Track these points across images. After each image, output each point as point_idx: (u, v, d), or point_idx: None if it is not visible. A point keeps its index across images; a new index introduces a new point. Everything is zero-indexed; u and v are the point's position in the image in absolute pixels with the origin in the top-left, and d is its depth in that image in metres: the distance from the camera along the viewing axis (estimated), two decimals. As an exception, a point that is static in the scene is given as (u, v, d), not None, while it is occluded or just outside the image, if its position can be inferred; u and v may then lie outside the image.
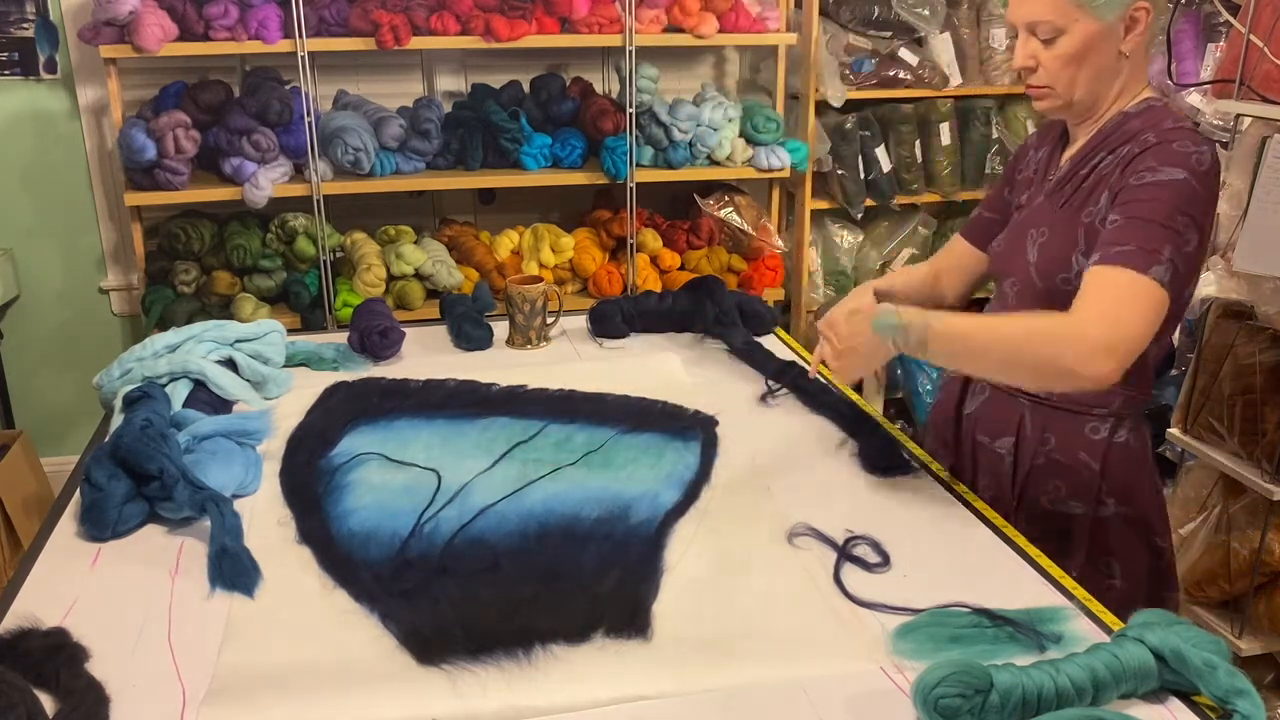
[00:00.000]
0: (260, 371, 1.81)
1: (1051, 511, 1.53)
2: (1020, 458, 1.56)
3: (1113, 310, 1.28)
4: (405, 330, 2.03)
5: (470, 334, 2.06)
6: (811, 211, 3.47)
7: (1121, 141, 1.42)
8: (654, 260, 3.26)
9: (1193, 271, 1.37)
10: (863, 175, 3.43)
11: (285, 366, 1.90)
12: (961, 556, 1.35)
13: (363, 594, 1.25)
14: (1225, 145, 2.31)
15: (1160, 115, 1.42)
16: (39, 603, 1.23)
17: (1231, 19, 2.25)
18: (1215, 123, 2.65)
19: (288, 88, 2.99)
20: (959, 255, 1.73)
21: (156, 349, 1.80)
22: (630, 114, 3.12)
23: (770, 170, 3.23)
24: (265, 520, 1.43)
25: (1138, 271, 1.29)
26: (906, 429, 1.75)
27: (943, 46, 3.46)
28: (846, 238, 3.55)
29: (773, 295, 3.34)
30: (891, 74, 3.41)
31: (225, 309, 2.99)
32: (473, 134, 3.11)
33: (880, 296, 1.63)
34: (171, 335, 1.84)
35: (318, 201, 2.99)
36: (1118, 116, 1.45)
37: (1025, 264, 1.51)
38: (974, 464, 1.63)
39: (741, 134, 3.25)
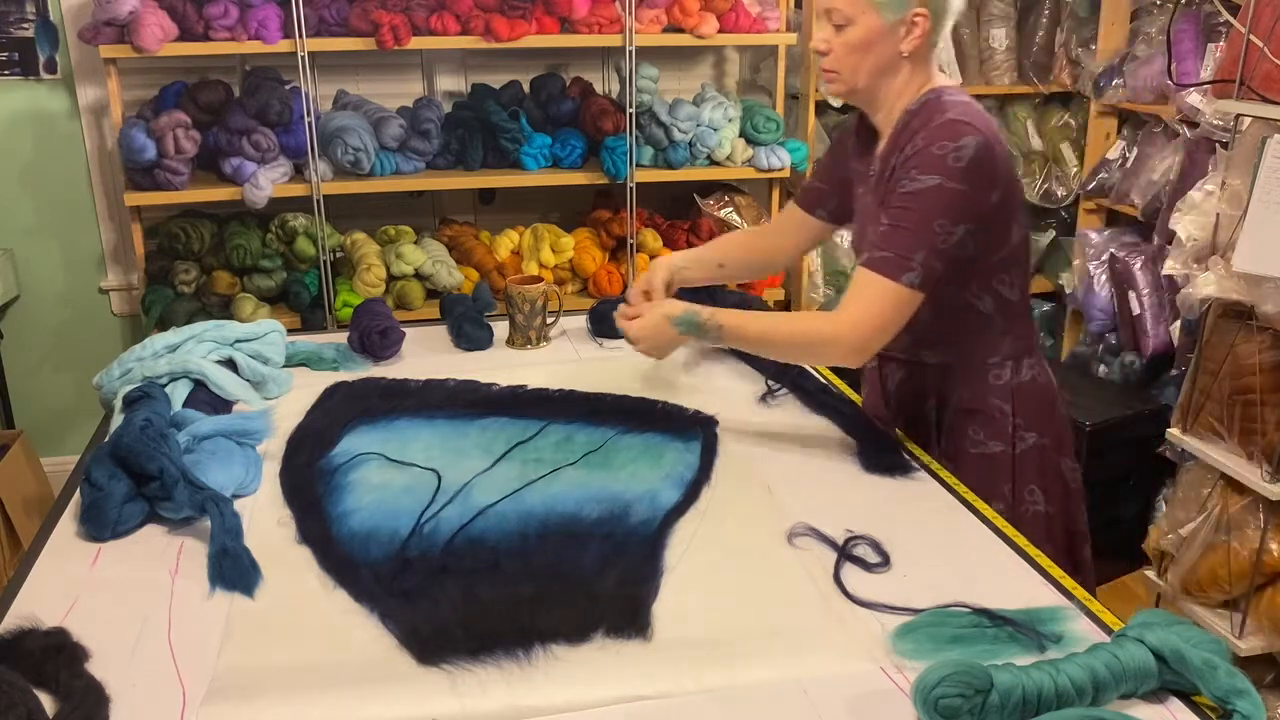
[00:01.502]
0: (260, 371, 1.81)
1: (975, 455, 1.67)
2: (942, 415, 1.71)
3: (865, 316, 1.51)
4: (405, 330, 2.02)
5: (470, 334, 2.06)
6: (811, 211, 3.47)
7: (907, 139, 1.56)
8: (653, 259, 3.26)
9: (976, 243, 1.54)
10: (863, 175, 3.42)
11: (285, 366, 1.89)
12: (961, 556, 1.35)
13: (363, 594, 1.25)
14: (1225, 145, 2.31)
15: (932, 110, 1.55)
16: (39, 603, 1.23)
17: (1231, 19, 2.25)
18: (1215, 123, 2.65)
19: (288, 88, 2.99)
20: (793, 221, 1.90)
21: (156, 349, 1.80)
22: (630, 114, 3.12)
23: (770, 170, 3.23)
24: (265, 520, 1.43)
25: (890, 279, 1.49)
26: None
27: (943, 46, 3.46)
28: (847, 238, 3.55)
29: (772, 295, 3.34)
30: (891, 74, 3.41)
31: (225, 309, 2.99)
32: (473, 134, 3.11)
33: (678, 273, 1.88)
34: (171, 335, 1.84)
35: (318, 201, 2.99)
36: (904, 116, 1.59)
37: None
38: (912, 438, 1.72)
39: (741, 134, 3.25)
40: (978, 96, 3.50)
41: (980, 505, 1.48)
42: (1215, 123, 2.64)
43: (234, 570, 1.27)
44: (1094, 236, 3.37)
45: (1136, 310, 3.15)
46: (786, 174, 3.28)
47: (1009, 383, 1.66)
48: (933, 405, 1.72)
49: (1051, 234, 3.78)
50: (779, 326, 1.61)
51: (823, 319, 1.57)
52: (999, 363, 1.67)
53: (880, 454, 1.59)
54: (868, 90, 1.61)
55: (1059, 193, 3.62)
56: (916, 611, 1.20)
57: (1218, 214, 2.21)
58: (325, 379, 1.85)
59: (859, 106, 1.68)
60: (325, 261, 3.04)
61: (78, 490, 1.43)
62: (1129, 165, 3.32)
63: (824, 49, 1.59)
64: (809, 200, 1.85)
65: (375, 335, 1.95)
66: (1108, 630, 1.18)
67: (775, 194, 3.40)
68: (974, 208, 1.51)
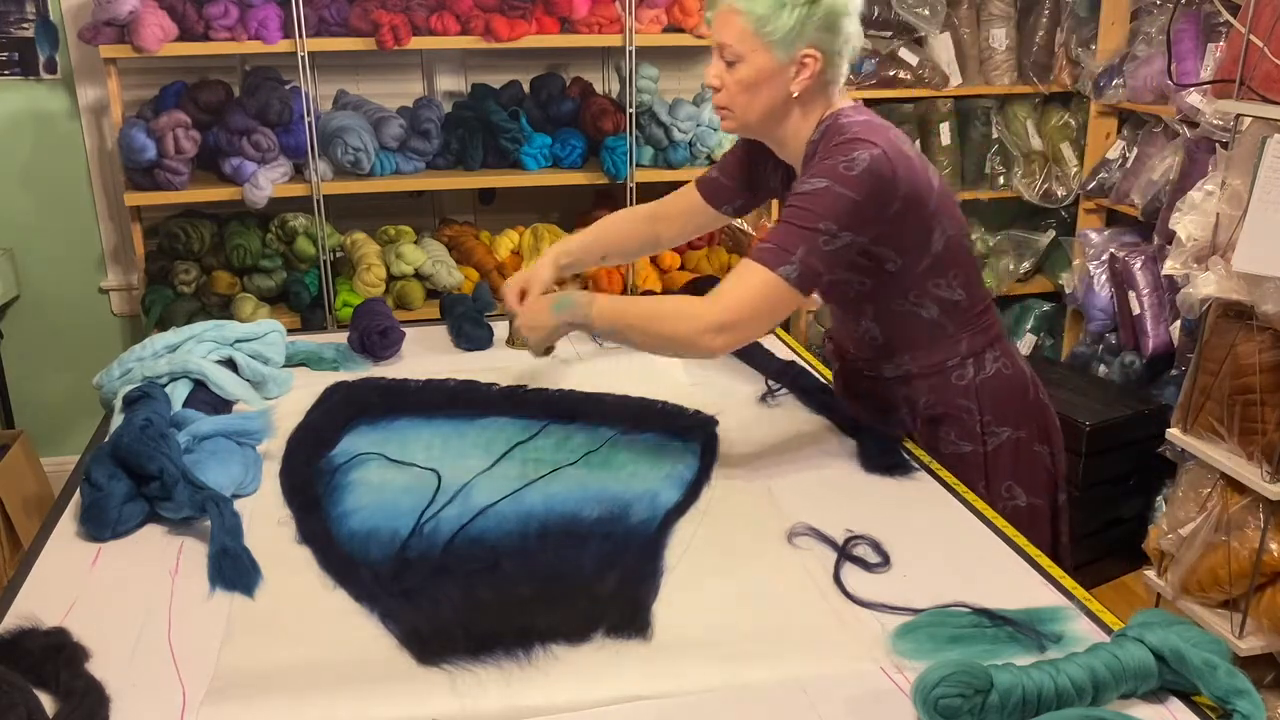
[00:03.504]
0: (260, 371, 1.81)
1: (949, 455, 1.66)
2: (914, 422, 1.71)
3: (734, 298, 1.47)
4: (405, 330, 2.02)
5: (470, 334, 2.06)
6: (811, 211, 3.47)
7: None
8: (654, 260, 3.26)
9: (894, 253, 1.55)
10: (863, 175, 3.42)
11: (285, 366, 1.90)
12: (961, 556, 1.35)
13: (363, 594, 1.25)
14: (1225, 145, 2.31)
15: (832, 134, 1.53)
16: (39, 603, 1.23)
17: (1231, 19, 2.25)
18: (1215, 123, 2.65)
19: (288, 88, 2.99)
20: (689, 204, 1.86)
21: (156, 349, 1.80)
22: (630, 114, 3.12)
23: (770, 170, 3.23)
24: (265, 520, 1.43)
25: (767, 268, 1.46)
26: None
27: (943, 46, 3.46)
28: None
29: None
30: (891, 74, 3.41)
31: (225, 309, 2.99)
32: (473, 134, 3.10)
33: (568, 260, 1.87)
34: (171, 335, 1.84)
35: (318, 201, 2.99)
36: (808, 147, 1.58)
37: None
38: None
39: (741, 134, 3.24)
40: (978, 96, 3.57)
41: (980, 505, 1.48)
42: (1215, 123, 2.64)
43: (234, 570, 1.27)
44: (1094, 236, 3.37)
45: (1136, 310, 3.15)
46: (786, 174, 3.28)
47: (972, 381, 1.64)
48: (904, 413, 1.71)
49: (1051, 234, 3.78)
50: (647, 303, 1.57)
51: (693, 299, 1.53)
52: (959, 363, 1.64)
53: (880, 454, 1.59)
54: (761, 128, 1.59)
55: (1059, 193, 3.62)
56: (916, 611, 1.20)
57: (1218, 214, 2.21)
58: (325, 379, 1.85)
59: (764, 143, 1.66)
60: (325, 261, 3.04)
61: (78, 490, 1.43)
62: (1129, 165, 3.32)
63: (716, 84, 1.55)
64: (717, 195, 1.83)
65: (375, 335, 1.95)
66: (1108, 630, 1.18)
67: (775, 194, 3.40)
68: (865, 217, 1.48)
